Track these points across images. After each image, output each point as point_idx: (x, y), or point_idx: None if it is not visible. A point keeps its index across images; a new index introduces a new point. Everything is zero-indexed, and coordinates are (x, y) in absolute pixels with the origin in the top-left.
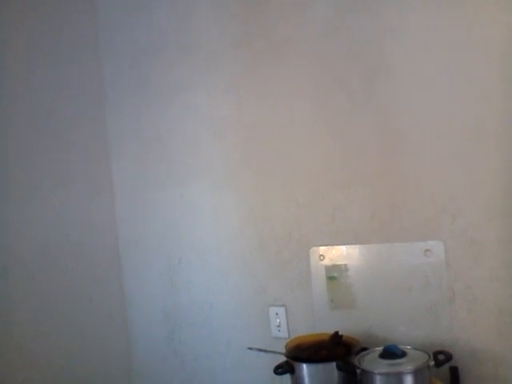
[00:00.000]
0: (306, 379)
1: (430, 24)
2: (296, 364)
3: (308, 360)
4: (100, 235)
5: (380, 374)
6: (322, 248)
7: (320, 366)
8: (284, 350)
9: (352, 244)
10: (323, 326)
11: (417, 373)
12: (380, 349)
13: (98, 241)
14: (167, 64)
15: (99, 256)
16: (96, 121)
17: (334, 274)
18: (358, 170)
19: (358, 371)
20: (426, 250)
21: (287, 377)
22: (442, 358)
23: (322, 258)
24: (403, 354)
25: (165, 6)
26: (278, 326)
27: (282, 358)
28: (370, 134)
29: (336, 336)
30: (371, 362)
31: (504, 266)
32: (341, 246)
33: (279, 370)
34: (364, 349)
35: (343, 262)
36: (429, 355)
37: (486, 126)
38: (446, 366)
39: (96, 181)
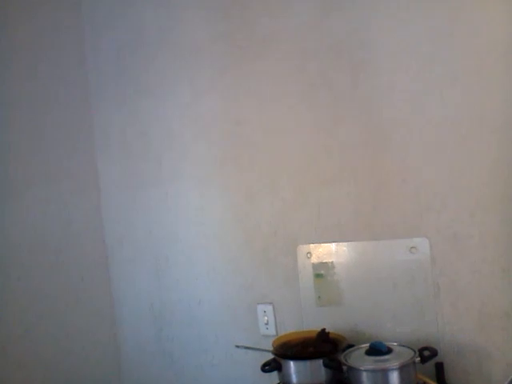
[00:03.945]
0: (294, 376)
1: (413, 17)
2: (283, 361)
3: (295, 357)
4: (86, 234)
5: (366, 370)
6: (309, 245)
7: (307, 363)
8: (271, 348)
9: (338, 241)
10: (311, 323)
11: (402, 369)
12: (366, 345)
13: (85, 239)
14: (151, 60)
15: (86, 255)
16: (82, 118)
17: (321, 272)
18: (343, 166)
19: (345, 368)
20: (412, 248)
21: (275, 374)
22: (427, 353)
23: (309, 255)
24: (389, 351)
25: (149, 3)
26: (266, 324)
27: (270, 356)
28: (354, 130)
29: (323, 333)
30: (357, 359)
31: (486, 260)
32: (328, 244)
33: (267, 367)
34: (350, 346)
35: (330, 260)
36: (414, 351)
37: (469, 121)
38: (432, 362)
39: (82, 179)
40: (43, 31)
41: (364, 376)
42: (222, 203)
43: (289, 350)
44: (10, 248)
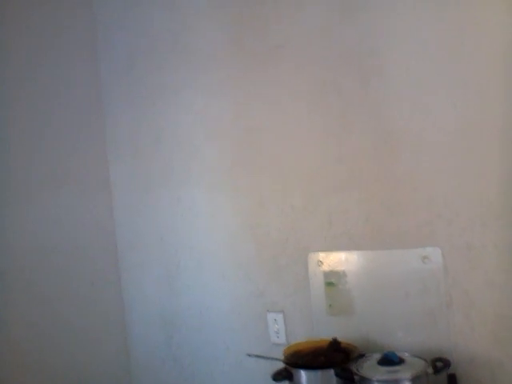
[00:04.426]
0: None
1: (423, 25)
2: (294, 370)
3: (306, 366)
4: (98, 238)
5: (378, 381)
6: (320, 254)
7: (318, 373)
8: (282, 357)
9: (349, 249)
10: (321, 331)
11: (415, 380)
12: (378, 355)
13: (96, 244)
14: (164, 65)
15: (97, 259)
16: (94, 122)
17: (333, 280)
18: (354, 173)
19: (356, 378)
20: (424, 257)
21: (285, 383)
22: (440, 365)
23: (320, 263)
24: (401, 361)
25: (162, 7)
26: (277, 333)
27: (281, 365)
28: (364, 137)
29: (334, 342)
30: (369, 369)
31: (500, 270)
32: (339, 252)
33: (278, 376)
34: (362, 355)
35: (341, 268)
36: (427, 362)
37: (481, 128)
38: (444, 373)
39: (94, 183)
40: (57, 34)
41: None
42: (233, 210)
43: (300, 359)
44: (21, 251)
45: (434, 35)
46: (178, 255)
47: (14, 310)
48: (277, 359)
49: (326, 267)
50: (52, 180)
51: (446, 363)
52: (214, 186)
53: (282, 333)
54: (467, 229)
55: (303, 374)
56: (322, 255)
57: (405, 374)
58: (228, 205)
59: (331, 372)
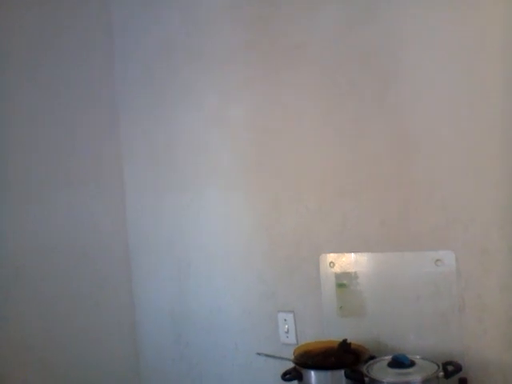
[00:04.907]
0: None
1: (443, 30)
2: (304, 371)
3: (316, 367)
4: (109, 239)
5: (388, 383)
6: (331, 255)
7: (328, 374)
8: (292, 357)
9: (361, 251)
10: (332, 333)
11: (425, 383)
12: (389, 358)
13: (108, 244)
14: (179, 67)
15: (108, 260)
16: (108, 122)
17: (344, 282)
18: (369, 176)
19: (366, 380)
20: (437, 260)
21: (295, 383)
22: (451, 368)
23: (331, 264)
24: (412, 364)
25: (177, 7)
26: (287, 332)
27: (290, 364)
28: (381, 140)
29: (344, 344)
30: (380, 371)
31: None
32: (351, 254)
33: (287, 376)
34: (372, 357)
35: (353, 270)
36: (438, 366)
37: (499, 134)
38: (455, 377)
39: (107, 183)
40: (73, 35)
41: None
42: (247, 211)
43: (310, 359)
44: (34, 251)
45: (452, 40)
46: (189, 256)
47: (28, 309)
48: (286, 359)
49: (337, 268)
50: (65, 180)
51: (457, 367)
52: (227, 187)
53: (292, 333)
54: (482, 233)
55: (313, 375)
56: (333, 256)
57: (415, 377)
58: (242, 206)
59: (341, 373)
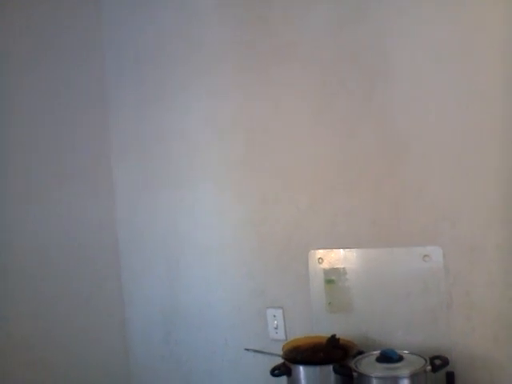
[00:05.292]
0: (303, 381)
1: (432, 28)
2: (293, 366)
3: (305, 362)
4: (99, 236)
5: (377, 377)
6: (320, 251)
7: (317, 369)
8: (281, 352)
9: (350, 247)
10: (321, 328)
11: (413, 377)
12: (377, 353)
13: (98, 241)
14: (169, 63)
15: (98, 256)
16: (98, 119)
17: (333, 278)
18: (359, 174)
19: (355, 374)
20: (425, 256)
21: (284, 379)
22: (438, 362)
23: (320, 261)
24: (400, 359)
25: (169, 5)
26: (276, 328)
27: (279, 360)
28: (371, 138)
29: (333, 339)
30: (368, 366)
31: (502, 272)
32: (339, 250)
33: (276, 371)
34: (361, 352)
35: (342, 266)
36: (425, 360)
37: (487, 132)
38: (443, 371)
39: (96, 181)
40: (62, 31)
41: (375, 383)
42: (237, 208)
43: (299, 354)
44: (24, 248)
45: (442, 37)
46: (179, 253)
47: (16, 306)
48: (275, 354)
49: (326, 264)
50: (55, 177)
51: (445, 361)
52: (217, 184)
53: (281, 329)
54: (470, 230)
55: (302, 370)
56: (322, 252)
57: (403, 372)
58: (232, 203)
59: (330, 368)
